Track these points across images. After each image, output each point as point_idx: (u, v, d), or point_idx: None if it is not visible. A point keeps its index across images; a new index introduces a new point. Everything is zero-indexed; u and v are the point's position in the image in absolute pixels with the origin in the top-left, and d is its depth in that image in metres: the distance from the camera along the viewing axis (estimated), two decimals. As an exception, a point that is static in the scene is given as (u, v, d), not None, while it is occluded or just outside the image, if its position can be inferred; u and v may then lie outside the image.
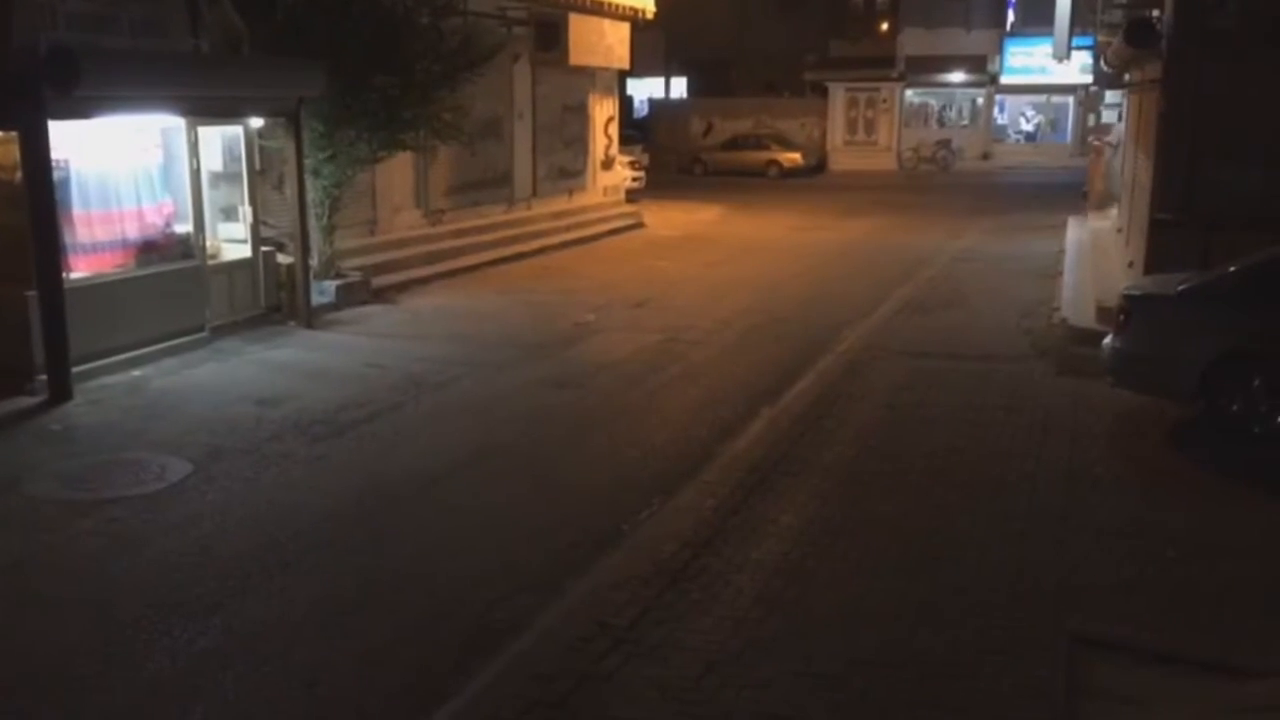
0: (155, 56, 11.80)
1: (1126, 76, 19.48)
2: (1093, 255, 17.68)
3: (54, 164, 10.18)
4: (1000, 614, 5.94)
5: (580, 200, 24.42)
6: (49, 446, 8.97)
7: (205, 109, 12.03)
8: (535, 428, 9.62)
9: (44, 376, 10.11)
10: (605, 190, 25.90)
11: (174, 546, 7.00)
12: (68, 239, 10.67)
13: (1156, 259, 11.98)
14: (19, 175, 10.10)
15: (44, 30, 10.50)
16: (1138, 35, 13.36)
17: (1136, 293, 9.84)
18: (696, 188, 33.82)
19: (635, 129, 38.72)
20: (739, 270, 18.56)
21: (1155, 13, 13.27)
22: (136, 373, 11.00)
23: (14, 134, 10.04)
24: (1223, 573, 6.48)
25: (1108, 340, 9.73)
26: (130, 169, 11.58)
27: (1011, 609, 6.00)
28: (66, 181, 10.66)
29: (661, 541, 6.94)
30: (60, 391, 10.07)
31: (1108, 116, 28.61)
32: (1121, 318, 9.52)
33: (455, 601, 6.26)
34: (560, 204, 23.51)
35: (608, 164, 26.01)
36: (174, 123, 11.84)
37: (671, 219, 25.79)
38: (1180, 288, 9.32)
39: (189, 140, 11.97)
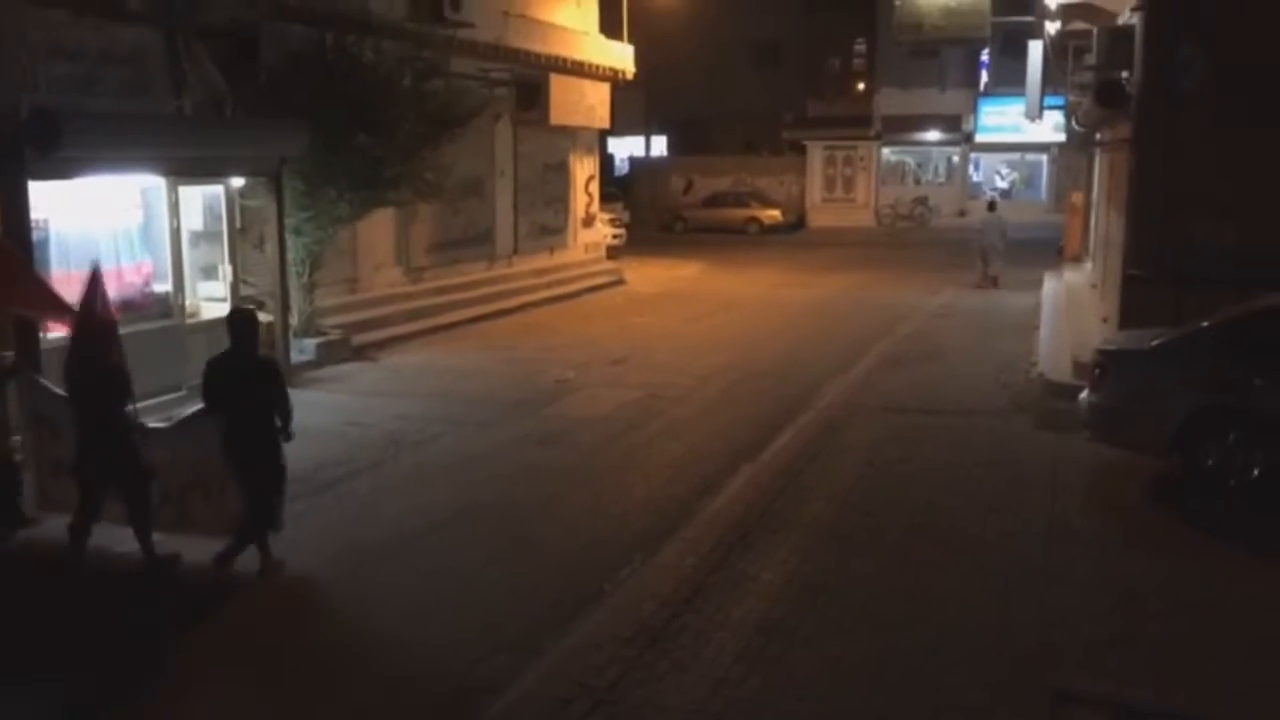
0: (137, 117, 11.88)
1: (1098, 135, 19.82)
2: (1069, 310, 17.86)
3: (34, 224, 10.19)
4: (983, 672, 5.92)
5: (561, 257, 24.55)
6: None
7: (187, 169, 12.08)
8: (515, 486, 9.58)
9: (18, 437, 10.00)
10: (586, 247, 26.06)
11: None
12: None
13: (1130, 314, 12.13)
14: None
15: (26, 92, 10.57)
16: (1107, 96, 13.61)
17: (1111, 348, 9.93)
18: (677, 245, 34.06)
19: (616, 187, 39.04)
20: (719, 326, 18.65)
21: (1124, 74, 13.55)
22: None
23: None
24: (1203, 627, 6.49)
25: (1084, 395, 9.80)
26: (110, 229, 11.59)
27: (994, 666, 5.98)
28: (46, 241, 10.65)
29: (642, 600, 6.90)
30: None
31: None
32: (1097, 373, 9.61)
33: (434, 662, 6.19)
34: (541, 261, 23.62)
35: (589, 221, 26.19)
36: (155, 182, 11.88)
37: (652, 275, 25.94)
38: (1154, 343, 9.41)
39: (170, 200, 11.99)
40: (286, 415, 7.36)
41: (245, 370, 7.30)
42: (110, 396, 7.35)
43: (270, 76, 13.92)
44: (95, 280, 7.57)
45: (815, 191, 44.26)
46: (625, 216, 33.37)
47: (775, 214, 40.18)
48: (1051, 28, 23.08)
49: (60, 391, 7.80)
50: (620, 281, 24.75)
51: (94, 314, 7.47)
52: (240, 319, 7.45)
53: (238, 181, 12.96)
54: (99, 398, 7.33)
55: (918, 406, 12.32)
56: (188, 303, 12.38)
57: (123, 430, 7.40)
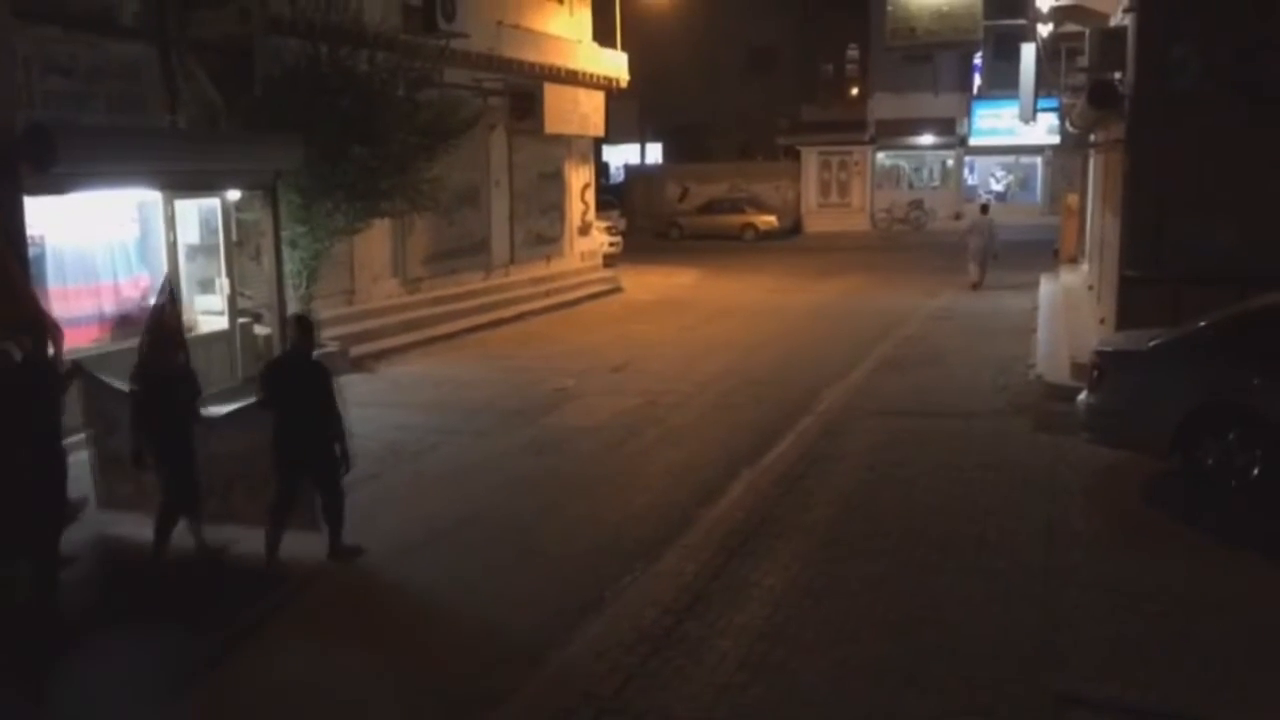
0: (132, 132, 11.90)
1: (1092, 137, 19.85)
2: (1066, 312, 17.87)
3: (30, 239, 10.19)
4: (985, 675, 5.91)
5: (558, 266, 24.56)
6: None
7: (182, 183, 12.09)
8: (515, 495, 9.57)
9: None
10: (582, 256, 26.07)
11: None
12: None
13: (1127, 315, 12.13)
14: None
15: (21, 108, 10.58)
16: (1100, 97, 13.63)
17: (1109, 349, 9.94)
18: (673, 252, 34.09)
19: (612, 195, 39.10)
20: (717, 333, 18.66)
21: (1117, 75, 13.57)
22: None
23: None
24: (1205, 628, 6.48)
25: (1082, 396, 9.80)
26: (106, 243, 11.60)
27: (996, 669, 5.97)
28: (42, 257, 10.66)
29: (644, 608, 6.89)
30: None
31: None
32: (1095, 374, 9.61)
33: (436, 673, 6.18)
34: (538, 270, 23.64)
35: (585, 230, 26.21)
36: (151, 197, 11.89)
37: (649, 283, 25.95)
38: (1152, 344, 9.42)
39: (166, 214, 12.01)
40: (339, 428, 7.78)
41: (301, 370, 7.84)
42: (179, 393, 7.80)
43: (264, 90, 13.92)
44: (165, 289, 8.33)
45: (810, 197, 44.32)
46: (621, 224, 33.41)
47: (771, 220, 40.21)
48: (1044, 30, 23.14)
49: (120, 387, 8.18)
50: (617, 289, 24.77)
51: (163, 318, 8.00)
52: (301, 322, 8.08)
53: (233, 195, 12.98)
54: (169, 395, 7.74)
55: (917, 410, 12.32)
56: (185, 316, 12.37)
57: (188, 426, 7.81)
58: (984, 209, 25.47)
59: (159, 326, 7.94)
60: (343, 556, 7.83)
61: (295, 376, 7.80)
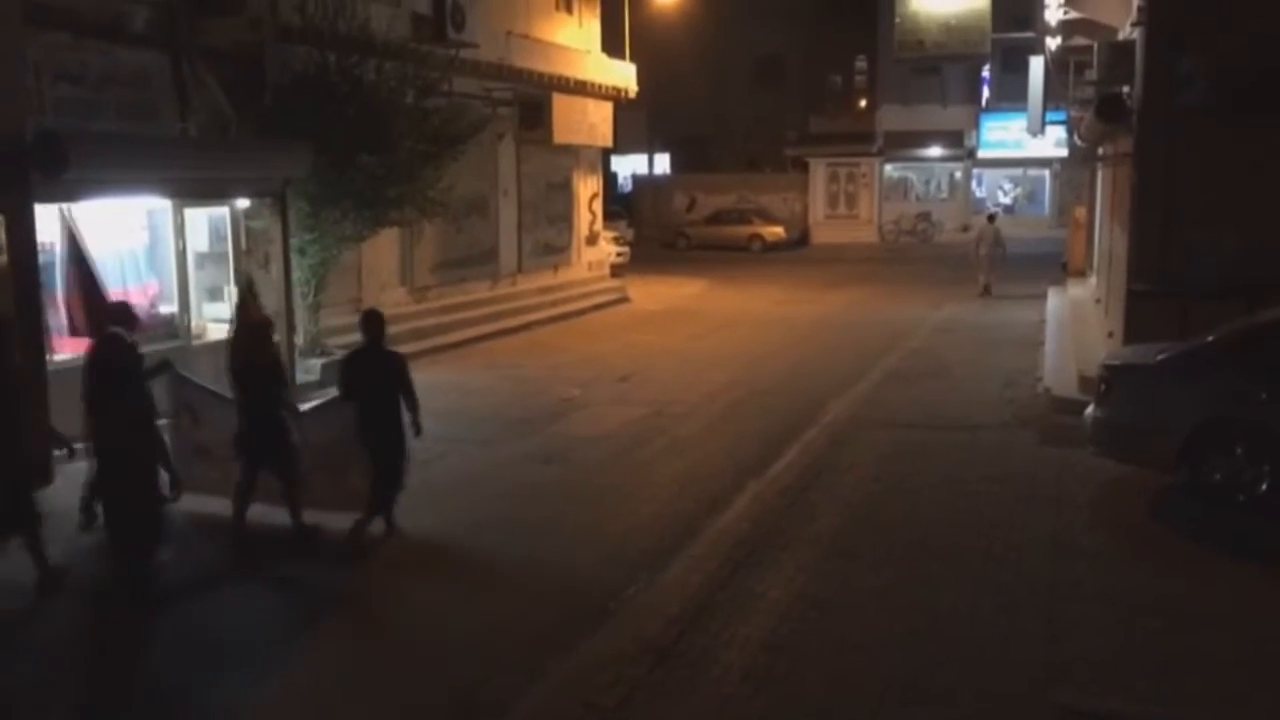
0: (143, 140, 11.94)
1: (1100, 150, 19.85)
2: (1073, 325, 17.85)
3: (39, 246, 10.24)
4: (989, 687, 5.90)
5: (565, 276, 24.59)
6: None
7: (192, 191, 12.14)
8: (520, 504, 9.57)
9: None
10: (590, 265, 26.10)
11: (151, 630, 6.90)
12: (52, 320, 10.68)
13: (1135, 329, 12.11)
14: (3, 258, 10.12)
15: (32, 115, 10.62)
16: (1109, 110, 13.64)
17: (1116, 362, 9.93)
18: (680, 262, 34.11)
19: (619, 205, 39.14)
20: (723, 343, 18.66)
21: (1125, 88, 13.58)
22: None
23: (-1, 217, 10.10)
24: (1209, 643, 6.45)
25: (1089, 410, 9.78)
26: (116, 250, 11.64)
27: (1000, 682, 5.96)
28: (52, 264, 10.70)
29: (648, 618, 6.89)
30: (40, 474, 9.97)
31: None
32: (1102, 387, 9.60)
33: (438, 684, 6.17)
34: (545, 280, 23.66)
35: (592, 240, 26.25)
36: (160, 204, 11.93)
37: (656, 293, 25.97)
38: (1159, 357, 9.41)
39: (175, 222, 12.05)
40: (414, 406, 8.37)
41: (377, 362, 8.33)
42: (270, 384, 8.33)
43: (274, 98, 13.98)
44: (244, 284, 9.36)
45: (818, 208, 44.34)
46: (629, 234, 33.44)
47: (778, 231, 40.22)
48: (1052, 43, 23.17)
49: (202, 384, 9.05)
50: (624, 299, 24.79)
51: (245, 313, 8.78)
52: (373, 317, 8.49)
53: (243, 203, 13.02)
54: (261, 385, 8.26)
55: (923, 422, 12.31)
56: (194, 323, 12.43)
57: (280, 413, 8.35)
58: (990, 218, 25.79)
59: (242, 321, 8.64)
60: (390, 534, 8.46)
61: (370, 368, 8.28)
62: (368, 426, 8.19)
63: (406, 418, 8.36)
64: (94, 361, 7.77)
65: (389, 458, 8.28)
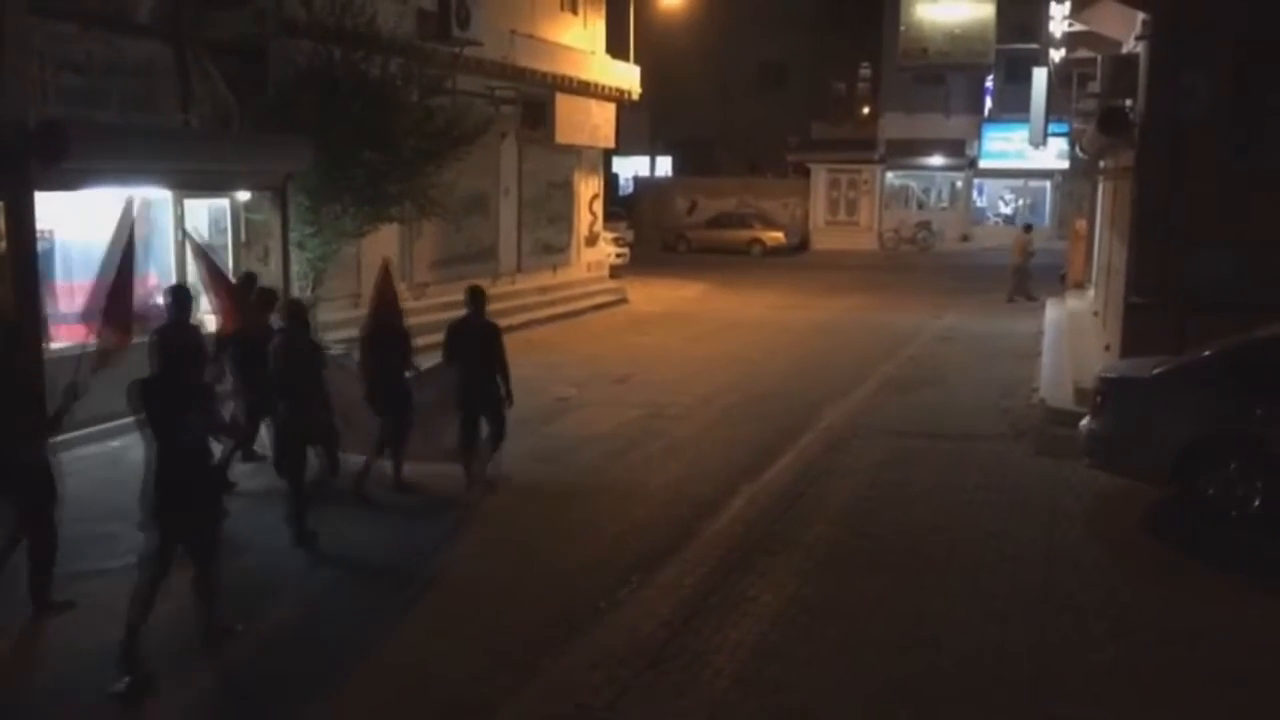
0: (144, 130, 11.94)
1: (1101, 163, 19.88)
2: (1071, 337, 17.87)
3: (39, 234, 10.23)
4: (980, 697, 5.90)
5: (564, 276, 24.59)
6: (22, 518, 8.84)
7: (193, 183, 12.13)
8: (514, 503, 9.57)
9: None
10: (589, 266, 26.11)
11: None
12: (50, 309, 10.67)
13: (1132, 342, 12.12)
14: (2, 245, 10.13)
15: (34, 103, 10.62)
16: (1111, 123, 13.65)
17: (1113, 375, 9.94)
18: (680, 265, 34.11)
19: (620, 206, 39.13)
20: (721, 347, 18.66)
21: (1128, 101, 13.60)
22: (115, 444, 10.89)
23: (-1, 204, 10.11)
24: (1201, 657, 6.47)
25: (1085, 422, 9.79)
26: (112, 240, 11.61)
27: (991, 692, 5.96)
28: (51, 252, 10.69)
29: (640, 620, 6.89)
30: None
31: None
32: (1098, 400, 9.61)
33: (429, 680, 6.17)
34: (544, 279, 23.65)
35: (592, 240, 26.26)
36: (161, 195, 11.92)
37: (655, 295, 25.97)
38: (1156, 371, 9.41)
39: (175, 213, 12.04)
40: (507, 375, 9.60)
41: (477, 332, 9.59)
42: (399, 351, 9.56)
43: (277, 92, 13.97)
44: (386, 271, 10.18)
45: (819, 214, 44.33)
46: (629, 236, 33.43)
47: (778, 236, 40.23)
48: (1056, 55, 23.24)
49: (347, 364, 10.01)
50: (623, 300, 24.79)
51: (385, 294, 9.85)
52: (477, 292, 9.86)
53: (243, 195, 13.01)
54: (390, 353, 9.48)
55: (919, 430, 12.31)
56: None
57: (404, 378, 9.51)
58: (1026, 229, 27.19)
59: (377, 296, 9.85)
60: (493, 487, 9.69)
61: (470, 337, 9.50)
62: (467, 388, 9.39)
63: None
64: (286, 345, 8.46)
65: (491, 413, 9.57)
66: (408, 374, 9.56)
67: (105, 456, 10.57)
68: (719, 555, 8.07)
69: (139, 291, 11.80)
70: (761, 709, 5.76)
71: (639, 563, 7.99)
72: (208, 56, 13.21)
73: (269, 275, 13.85)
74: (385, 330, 9.60)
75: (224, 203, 12.78)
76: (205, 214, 12.79)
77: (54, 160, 9.97)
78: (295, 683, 6.16)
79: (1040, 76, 25.97)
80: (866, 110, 45.32)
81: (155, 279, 12.08)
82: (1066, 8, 18.80)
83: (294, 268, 13.99)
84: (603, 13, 25.50)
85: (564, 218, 24.86)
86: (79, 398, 7.16)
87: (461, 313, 9.86)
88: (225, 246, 12.87)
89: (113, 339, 8.18)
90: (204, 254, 10.19)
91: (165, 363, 6.36)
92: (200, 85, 13.06)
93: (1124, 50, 14.97)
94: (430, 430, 9.56)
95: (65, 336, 10.95)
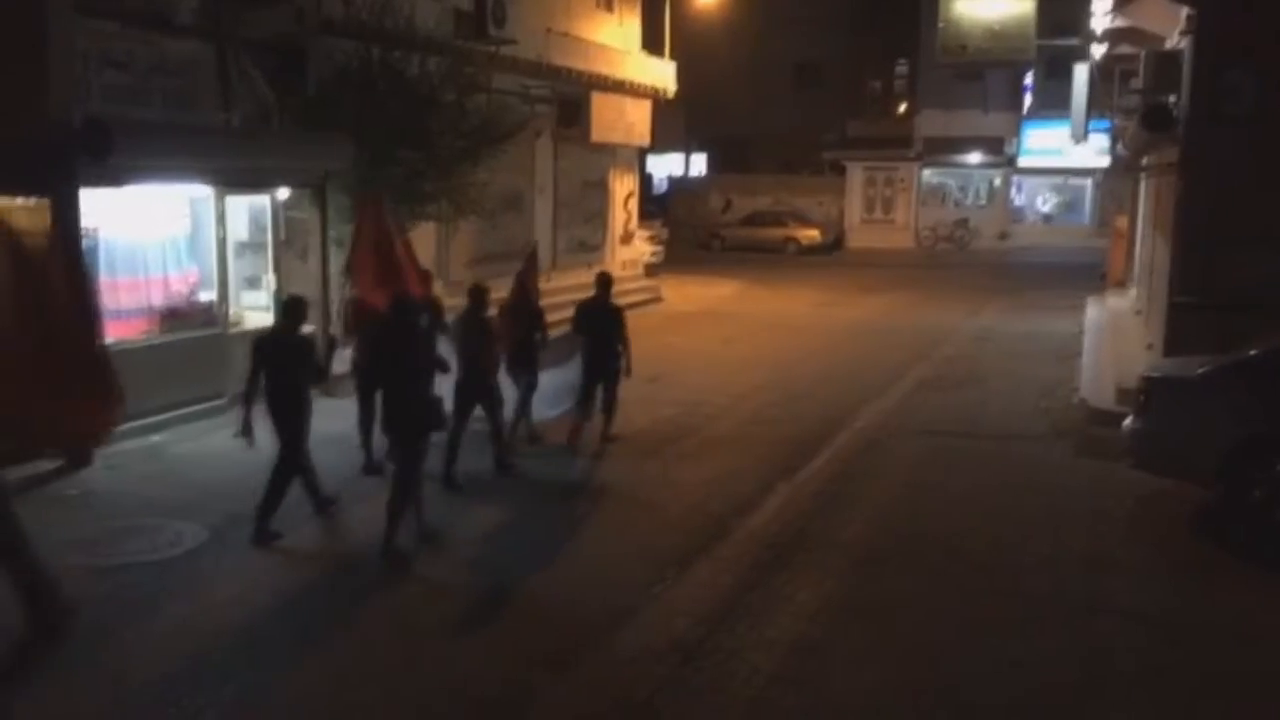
0: (187, 128, 12.05)
1: (1143, 160, 19.63)
2: (1112, 336, 17.64)
3: (84, 231, 10.35)
4: (1019, 700, 5.84)
5: (599, 274, 24.55)
6: (66, 511, 8.96)
7: (233, 180, 12.24)
8: (549, 500, 9.59)
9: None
10: (624, 264, 26.07)
11: (186, 613, 6.96)
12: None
13: (1176, 341, 11.95)
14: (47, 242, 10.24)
15: (78, 101, 10.75)
16: (1154, 120, 13.47)
17: (1157, 374, 9.80)
18: (715, 263, 34.05)
19: (655, 204, 39.09)
20: (756, 345, 18.60)
21: (1172, 98, 13.41)
22: (156, 438, 11.04)
23: (45, 201, 10.20)
24: (1247, 663, 6.37)
25: (1128, 422, 9.66)
26: (157, 237, 11.76)
27: (1030, 696, 5.90)
28: (95, 248, 10.82)
29: (676, 617, 6.88)
30: (79, 457, 10.11)
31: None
32: (1142, 399, 9.48)
33: (467, 678, 6.19)
34: (580, 277, 23.56)
35: (627, 238, 26.23)
36: (202, 192, 12.04)
37: (689, 294, 25.93)
38: (1201, 370, 9.27)
39: (216, 210, 12.16)
40: (628, 351, 11.16)
41: (603, 312, 11.06)
42: (536, 326, 11.13)
43: (317, 90, 14.06)
44: (532, 258, 12.19)
45: (854, 212, 44.09)
46: (663, 234, 33.36)
47: (813, 234, 40.06)
48: (1098, 51, 22.92)
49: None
50: (658, 299, 24.77)
51: (522, 276, 11.50)
52: (605, 277, 11.38)
53: (283, 193, 13.10)
54: (531, 327, 11.09)
55: (956, 430, 12.21)
56: (231, 312, 12.53)
57: (536, 347, 11.12)
58: None
59: (518, 280, 11.40)
60: (611, 439, 11.28)
61: (596, 316, 10.99)
62: (591, 360, 10.85)
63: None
64: (467, 319, 10.09)
65: (609, 383, 11.01)
66: (538, 340, 11.10)
67: (145, 451, 10.69)
68: (755, 553, 8.05)
69: (179, 288, 12.02)
70: (799, 706, 5.73)
71: (674, 559, 7.97)
72: (248, 55, 13.31)
73: (308, 273, 13.98)
74: (525, 307, 11.12)
75: (264, 200, 12.87)
76: (245, 211, 12.89)
77: (99, 156, 10.09)
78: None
79: (1081, 72, 25.61)
80: (903, 107, 45.00)
81: (197, 274, 12.20)
82: (1109, 3, 18.55)
83: (332, 265, 14.06)
84: (638, 10, 25.44)
85: (599, 216, 24.86)
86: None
87: (589, 294, 11.32)
88: (265, 244, 12.97)
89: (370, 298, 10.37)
90: (401, 230, 11.61)
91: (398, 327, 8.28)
92: (241, 83, 13.16)
93: (1167, 46, 14.76)
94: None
95: (108, 333, 11.05)
